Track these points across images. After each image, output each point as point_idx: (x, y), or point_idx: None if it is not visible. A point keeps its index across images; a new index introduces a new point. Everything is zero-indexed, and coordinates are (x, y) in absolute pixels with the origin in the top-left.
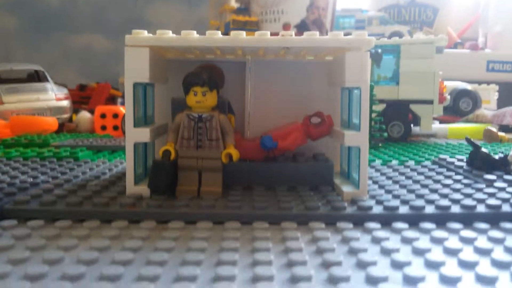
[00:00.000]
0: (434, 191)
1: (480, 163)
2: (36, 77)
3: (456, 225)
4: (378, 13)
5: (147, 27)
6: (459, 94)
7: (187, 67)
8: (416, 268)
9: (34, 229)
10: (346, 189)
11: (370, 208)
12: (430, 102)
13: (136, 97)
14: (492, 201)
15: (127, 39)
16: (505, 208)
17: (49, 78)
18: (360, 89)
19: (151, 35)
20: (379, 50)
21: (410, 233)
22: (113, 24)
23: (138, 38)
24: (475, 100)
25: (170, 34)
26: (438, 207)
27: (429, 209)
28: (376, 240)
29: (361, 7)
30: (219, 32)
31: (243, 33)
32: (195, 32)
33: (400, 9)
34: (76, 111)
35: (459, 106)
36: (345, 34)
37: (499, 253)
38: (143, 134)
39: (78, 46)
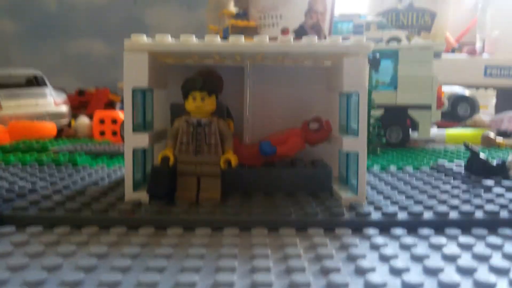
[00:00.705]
0: (433, 197)
1: (478, 169)
2: (35, 82)
3: (454, 231)
4: (376, 18)
5: (146, 30)
6: (457, 100)
7: (186, 72)
8: (415, 274)
9: (33, 235)
10: (345, 195)
11: (369, 214)
12: (428, 107)
13: (135, 102)
14: (490, 207)
15: (126, 44)
16: (503, 214)
17: (47, 83)
18: (359, 94)
19: (150, 40)
20: (377, 55)
21: (409, 239)
22: (112, 28)
23: (137, 43)
24: (473, 106)
25: (169, 38)
26: (436, 213)
27: (428, 215)
28: (374, 247)
29: (359, 12)
30: (218, 37)
31: (242, 38)
32: (194, 36)
33: (398, 14)
34: (74, 116)
35: (457, 111)
36: (343, 39)
37: (497, 259)
38: (142, 140)
39: (77, 51)
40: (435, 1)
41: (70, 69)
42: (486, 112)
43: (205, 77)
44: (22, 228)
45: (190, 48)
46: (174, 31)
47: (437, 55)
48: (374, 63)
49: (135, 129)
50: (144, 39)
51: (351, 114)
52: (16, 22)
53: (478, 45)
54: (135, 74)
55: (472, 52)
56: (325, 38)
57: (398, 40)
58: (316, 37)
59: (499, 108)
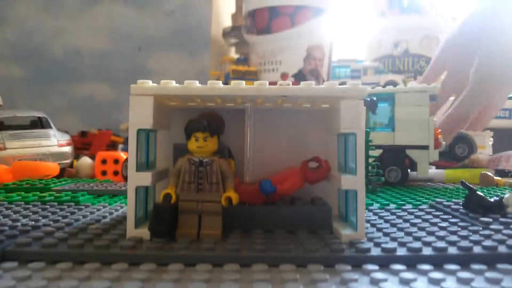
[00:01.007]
0: (431, 233)
1: (475, 206)
2: (39, 123)
3: (453, 267)
4: (373, 63)
5: (149, 76)
6: (455, 140)
7: (189, 114)
8: None
9: (35, 271)
10: (344, 231)
11: (368, 250)
12: (426, 147)
13: (139, 142)
14: (488, 243)
15: (132, 88)
16: (501, 249)
17: (52, 125)
18: (356, 135)
19: (155, 84)
20: (374, 98)
21: (408, 275)
22: (116, 73)
23: (143, 87)
24: (470, 146)
25: (173, 83)
26: (435, 248)
27: (427, 251)
28: (374, 282)
29: (356, 57)
30: (220, 82)
31: (243, 82)
32: (197, 81)
33: (394, 60)
34: (77, 157)
35: (455, 151)
36: (341, 84)
37: None
38: (145, 178)
39: (81, 94)
40: (429, 47)
41: (74, 112)
42: (484, 151)
43: (207, 119)
44: (24, 263)
45: (194, 92)
46: (176, 76)
47: (432, 98)
48: (372, 106)
49: (139, 168)
50: (149, 84)
51: (349, 153)
52: (23, 66)
53: None
54: (140, 116)
55: None
56: (323, 82)
57: (394, 84)
58: (314, 81)
59: (496, 149)
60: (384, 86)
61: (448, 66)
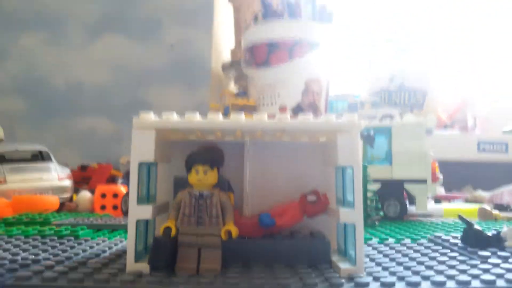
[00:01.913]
0: (430, 267)
1: (473, 240)
2: (40, 157)
3: None
4: (370, 97)
5: (148, 109)
6: None
7: (189, 147)
8: None
9: None
10: (343, 266)
11: (367, 284)
12: (424, 181)
13: (140, 176)
14: (487, 277)
15: (135, 122)
16: (500, 283)
17: (52, 158)
18: (353, 168)
19: (157, 118)
20: (372, 132)
21: None
22: (116, 106)
23: (145, 121)
24: None
25: (175, 116)
26: (433, 283)
27: (425, 285)
28: None
29: (353, 92)
30: (220, 114)
31: (243, 115)
32: (197, 114)
33: (391, 94)
34: (76, 190)
35: None
36: (338, 117)
37: None
38: (146, 211)
39: (81, 127)
40: (425, 80)
41: (74, 145)
42: None
43: (207, 151)
44: None
45: (195, 125)
46: (176, 109)
47: (429, 131)
48: (369, 139)
49: (139, 201)
50: (151, 117)
51: (347, 187)
52: (25, 100)
53: (470, 122)
54: (142, 149)
55: (464, 129)
56: (321, 116)
57: (391, 117)
58: (312, 115)
59: (495, 183)
60: (381, 119)
61: None
